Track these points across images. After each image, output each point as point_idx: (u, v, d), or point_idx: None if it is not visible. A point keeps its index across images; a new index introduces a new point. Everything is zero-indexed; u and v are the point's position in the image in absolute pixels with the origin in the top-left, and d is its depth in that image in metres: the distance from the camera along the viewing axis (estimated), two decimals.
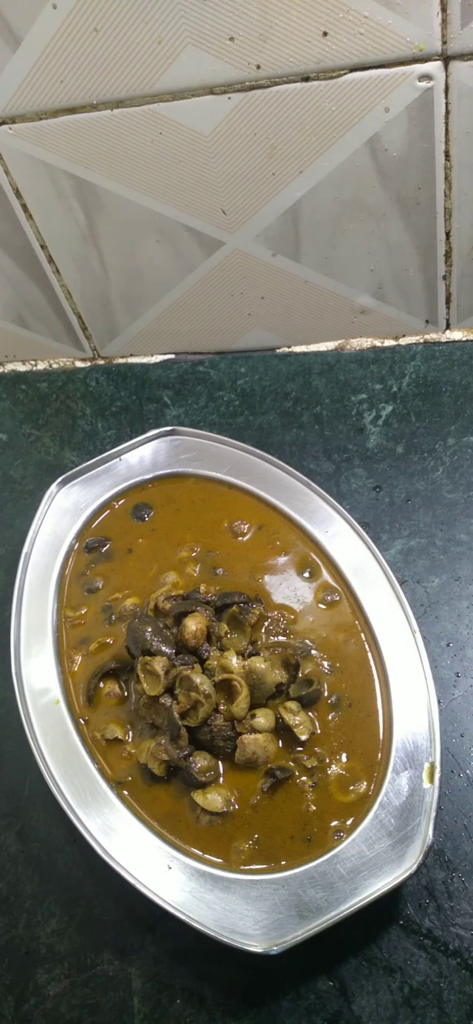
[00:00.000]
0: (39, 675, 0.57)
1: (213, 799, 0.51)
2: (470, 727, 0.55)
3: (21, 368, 0.86)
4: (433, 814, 0.48)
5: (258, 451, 0.67)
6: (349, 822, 0.50)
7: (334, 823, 0.50)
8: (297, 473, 0.65)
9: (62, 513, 0.65)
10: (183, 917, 0.47)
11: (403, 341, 0.76)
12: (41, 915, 0.53)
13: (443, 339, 0.75)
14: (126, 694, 0.57)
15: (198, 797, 0.51)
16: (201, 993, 0.49)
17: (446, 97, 0.58)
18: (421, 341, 0.75)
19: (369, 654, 0.56)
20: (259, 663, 0.53)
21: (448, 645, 0.58)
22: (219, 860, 0.50)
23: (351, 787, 0.51)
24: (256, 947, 0.46)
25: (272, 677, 0.53)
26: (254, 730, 0.52)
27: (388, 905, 0.48)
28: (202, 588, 0.59)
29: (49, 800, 0.57)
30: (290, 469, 0.65)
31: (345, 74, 0.58)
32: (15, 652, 0.58)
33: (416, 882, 0.50)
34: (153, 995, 0.49)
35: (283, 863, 0.49)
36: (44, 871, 0.55)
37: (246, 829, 0.51)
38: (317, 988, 0.48)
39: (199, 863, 0.49)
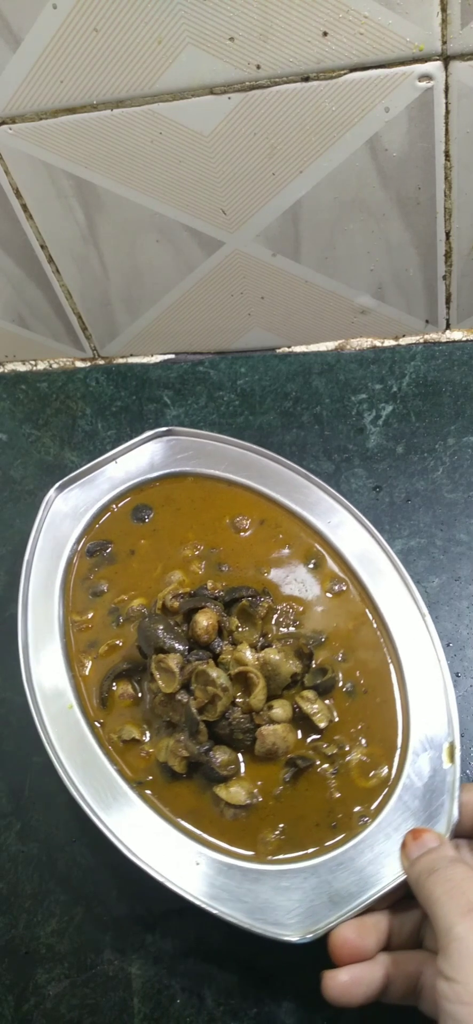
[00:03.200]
0: (50, 681, 0.57)
1: (236, 792, 0.51)
2: (470, 727, 0.55)
3: (21, 368, 0.86)
4: (456, 793, 0.48)
5: (255, 447, 0.67)
6: (373, 806, 0.50)
7: (358, 808, 0.50)
8: (296, 467, 0.65)
9: (61, 518, 0.65)
10: (216, 911, 0.47)
11: (403, 341, 0.76)
12: (41, 915, 0.53)
13: (443, 339, 0.75)
14: (140, 695, 0.57)
15: (221, 791, 0.51)
16: (201, 993, 0.49)
17: (446, 97, 0.58)
18: (421, 341, 0.75)
19: (381, 639, 0.56)
20: (273, 654, 0.53)
21: (448, 645, 0.58)
22: (247, 852, 0.50)
23: (372, 772, 0.51)
24: (291, 936, 0.46)
25: (287, 667, 0.53)
26: (272, 721, 0.52)
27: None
28: (209, 584, 0.59)
29: (49, 800, 0.57)
30: (288, 463, 0.65)
31: (345, 74, 0.58)
32: (24, 659, 0.58)
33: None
34: (153, 995, 0.49)
35: (311, 851, 0.49)
36: (44, 871, 0.55)
37: (271, 820, 0.51)
38: (317, 988, 0.48)
39: (227, 857, 0.49)
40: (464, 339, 0.74)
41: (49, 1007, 0.50)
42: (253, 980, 0.49)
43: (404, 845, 0.46)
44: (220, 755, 0.52)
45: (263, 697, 0.52)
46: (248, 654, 0.53)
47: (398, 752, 0.52)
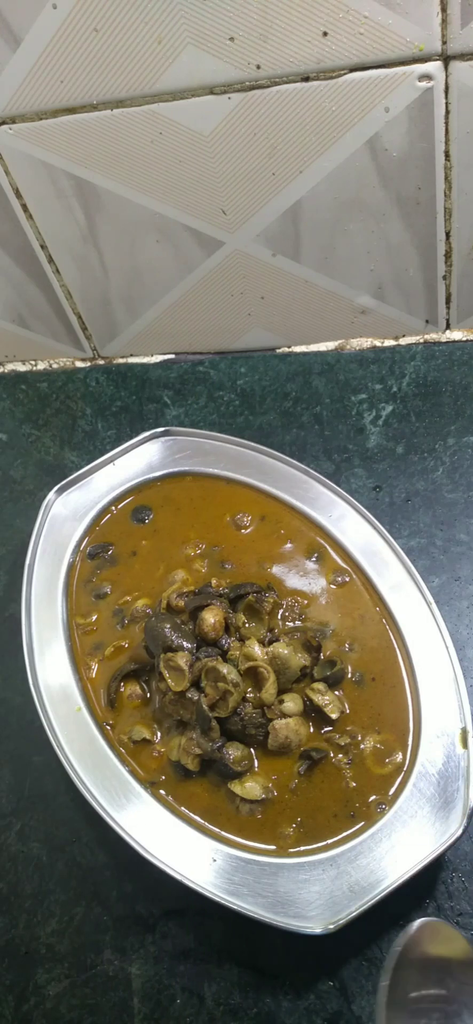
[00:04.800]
0: (57, 685, 0.57)
1: (251, 787, 0.51)
2: None
3: (21, 368, 0.86)
4: (471, 778, 0.49)
5: (253, 444, 0.67)
6: (390, 793, 0.50)
7: (375, 796, 0.50)
8: (295, 463, 0.65)
9: (61, 521, 0.65)
10: (236, 907, 0.47)
11: (403, 341, 0.76)
12: (41, 915, 0.53)
13: (443, 339, 0.75)
14: (148, 695, 0.57)
15: (236, 787, 0.51)
16: (201, 993, 0.49)
17: (446, 97, 0.58)
18: (421, 341, 0.75)
19: (387, 628, 0.56)
20: (282, 648, 0.53)
21: None
22: (265, 847, 0.50)
23: (387, 759, 0.52)
24: (313, 928, 0.46)
25: (296, 661, 0.53)
26: (284, 715, 0.53)
27: (388, 905, 0.48)
28: (213, 582, 0.60)
29: (49, 800, 0.57)
30: (287, 459, 0.66)
31: (345, 74, 0.58)
32: (29, 663, 0.57)
33: (416, 882, 0.50)
34: (153, 995, 0.49)
35: (330, 842, 0.49)
36: (44, 871, 0.55)
37: (288, 814, 0.51)
38: (317, 988, 0.48)
39: (244, 852, 0.49)
40: (464, 339, 0.74)
41: (49, 1007, 0.50)
42: (253, 980, 0.49)
43: None
44: (233, 751, 0.52)
45: (274, 691, 0.52)
46: (257, 649, 0.53)
47: (411, 737, 0.52)
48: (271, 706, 0.53)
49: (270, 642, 0.55)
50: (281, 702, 0.53)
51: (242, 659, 0.53)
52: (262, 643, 0.55)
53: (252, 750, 0.53)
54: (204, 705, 0.52)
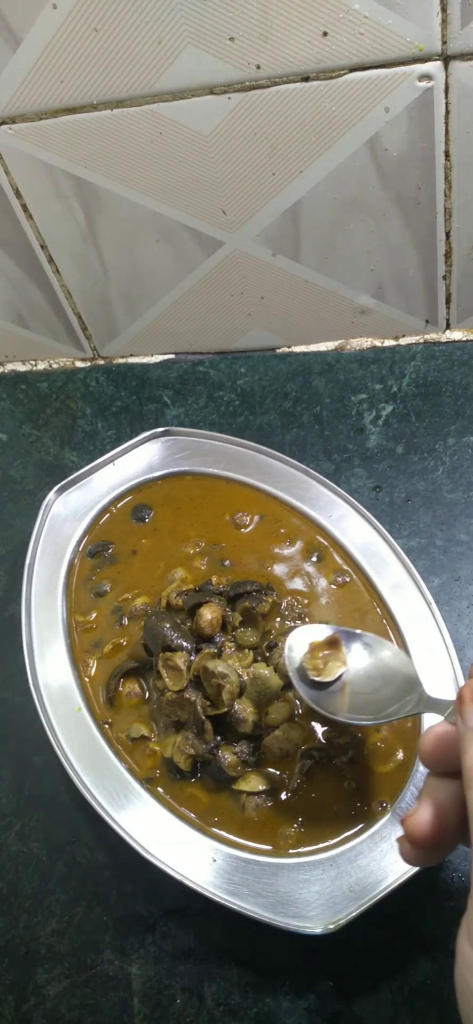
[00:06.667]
0: (57, 684, 0.57)
1: (256, 780, 0.51)
2: None
3: (21, 368, 0.86)
4: None
5: (253, 444, 0.67)
6: (391, 791, 0.50)
7: (376, 795, 0.50)
8: (295, 462, 0.65)
9: (62, 521, 0.65)
10: (236, 907, 0.47)
11: (403, 341, 0.76)
12: (41, 915, 0.53)
13: (443, 339, 0.75)
14: (147, 694, 0.57)
15: (241, 784, 0.51)
16: (201, 993, 0.49)
17: (446, 97, 0.58)
18: (421, 341, 0.75)
19: (387, 628, 0.56)
20: (262, 668, 0.53)
21: None
22: (265, 847, 0.50)
23: (388, 757, 0.51)
24: (313, 929, 0.46)
25: (277, 681, 0.53)
26: (269, 726, 0.52)
27: (388, 905, 0.48)
28: (214, 580, 0.60)
29: (49, 800, 0.57)
30: (287, 459, 0.66)
31: (345, 74, 0.58)
32: (29, 663, 0.57)
33: (416, 882, 0.50)
34: (153, 995, 0.49)
35: (331, 842, 0.49)
36: (44, 871, 0.55)
37: (288, 814, 0.51)
38: (317, 988, 0.48)
39: (244, 852, 0.49)
40: (464, 339, 0.74)
41: (49, 1007, 0.50)
42: (253, 979, 0.49)
43: (460, 700, 0.36)
44: (229, 755, 0.52)
45: (253, 715, 0.52)
46: (221, 668, 0.52)
47: (412, 736, 0.52)
48: (259, 723, 0.52)
49: (269, 647, 0.55)
50: (266, 714, 0.53)
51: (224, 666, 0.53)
52: (253, 650, 0.55)
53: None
54: (198, 706, 0.52)
